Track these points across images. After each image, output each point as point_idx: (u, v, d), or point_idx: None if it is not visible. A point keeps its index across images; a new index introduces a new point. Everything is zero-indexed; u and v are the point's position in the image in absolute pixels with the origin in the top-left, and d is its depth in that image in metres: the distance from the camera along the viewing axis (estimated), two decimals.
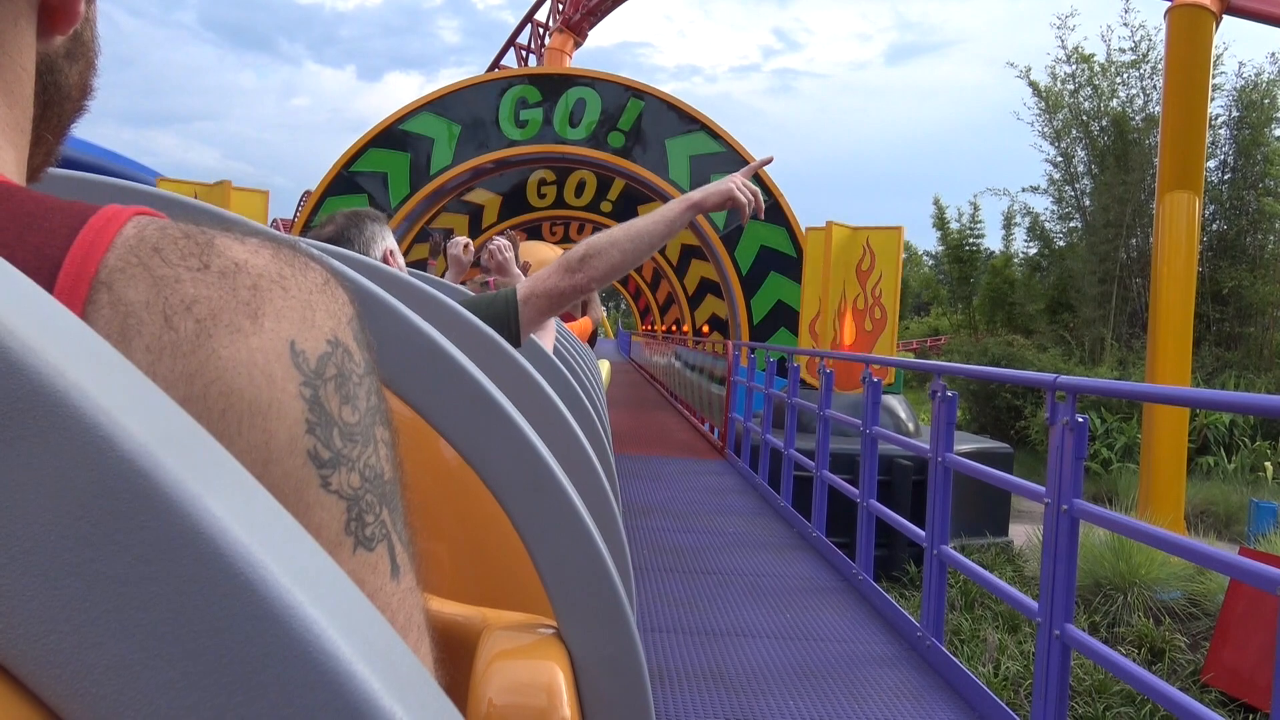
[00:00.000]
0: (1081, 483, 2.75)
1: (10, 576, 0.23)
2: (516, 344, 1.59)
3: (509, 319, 1.62)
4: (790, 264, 11.75)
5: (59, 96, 0.47)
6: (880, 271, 9.83)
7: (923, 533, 4.03)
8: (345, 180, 12.12)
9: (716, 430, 10.83)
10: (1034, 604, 2.95)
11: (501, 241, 2.85)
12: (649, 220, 1.66)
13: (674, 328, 21.51)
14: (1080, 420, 2.69)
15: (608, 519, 1.02)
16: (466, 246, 3.77)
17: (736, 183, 1.72)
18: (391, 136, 12.29)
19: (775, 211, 11.95)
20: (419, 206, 12.26)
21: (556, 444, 0.91)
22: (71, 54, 0.47)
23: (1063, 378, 2.83)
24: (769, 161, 1.91)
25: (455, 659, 0.73)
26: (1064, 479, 2.75)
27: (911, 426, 9.67)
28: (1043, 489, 2.90)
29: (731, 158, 11.88)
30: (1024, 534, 9.43)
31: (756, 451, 7.99)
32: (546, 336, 2.92)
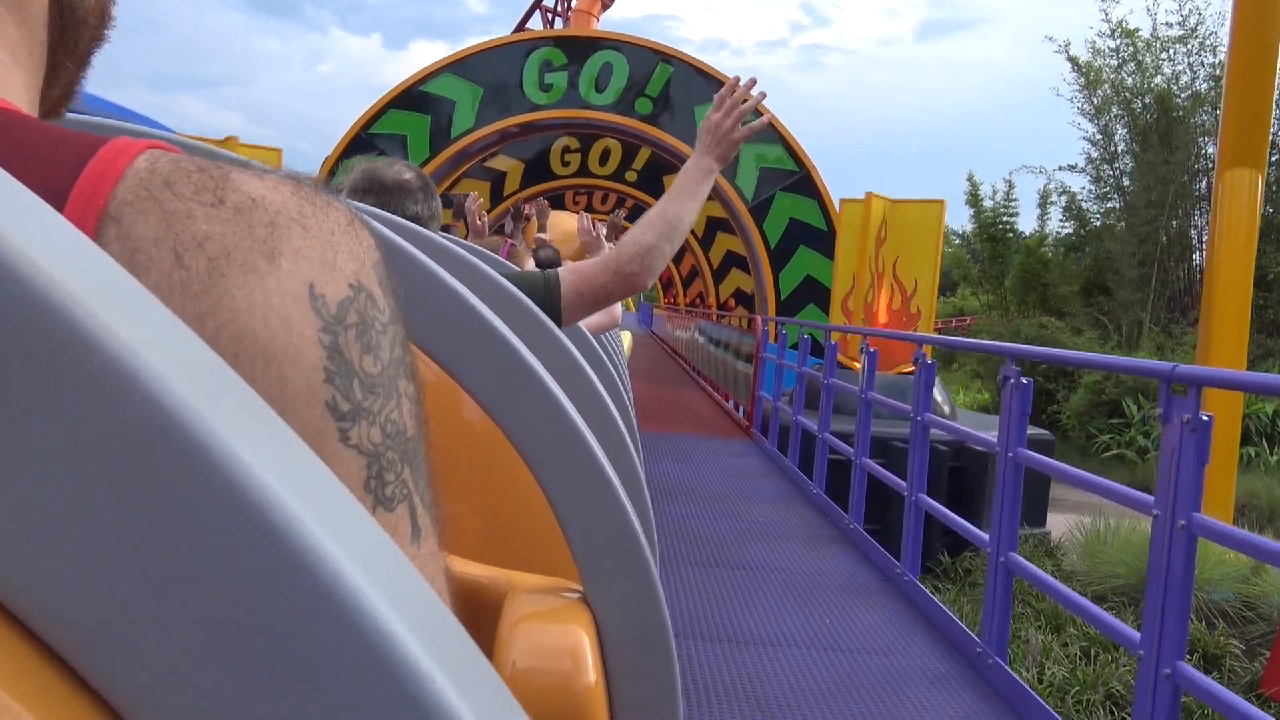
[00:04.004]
0: (1202, 493, 2.28)
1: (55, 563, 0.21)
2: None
3: (550, 305, 1.57)
4: (821, 238, 11.34)
5: (74, 20, 0.45)
6: (898, 253, 9.34)
7: (982, 534, 3.60)
8: (364, 142, 11.83)
9: (741, 408, 10.39)
10: (1135, 634, 2.48)
11: (587, 223, 2.80)
12: (681, 202, 1.62)
13: (697, 301, 21.12)
14: (1205, 419, 2.22)
15: (634, 485, 1.00)
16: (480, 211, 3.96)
17: (724, 123, 1.64)
18: (412, 98, 11.96)
19: (807, 184, 11.57)
20: (439, 170, 11.90)
21: (583, 407, 0.87)
22: None
23: (1181, 366, 2.33)
24: (739, 81, 1.70)
25: (479, 621, 0.72)
26: (1181, 488, 2.27)
27: (948, 409, 9.20)
28: (1151, 499, 2.42)
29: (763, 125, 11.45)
30: (1063, 524, 8.97)
31: (785, 432, 7.55)
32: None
